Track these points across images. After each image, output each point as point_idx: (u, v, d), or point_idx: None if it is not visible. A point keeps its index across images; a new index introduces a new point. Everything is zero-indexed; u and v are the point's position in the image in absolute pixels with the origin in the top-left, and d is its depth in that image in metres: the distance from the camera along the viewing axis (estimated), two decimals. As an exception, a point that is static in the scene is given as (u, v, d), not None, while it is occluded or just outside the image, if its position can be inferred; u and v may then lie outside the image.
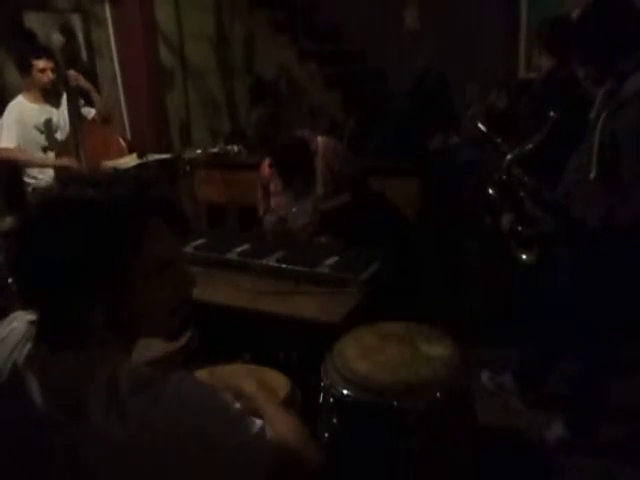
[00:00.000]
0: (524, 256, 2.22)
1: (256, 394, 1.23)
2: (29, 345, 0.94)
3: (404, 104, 4.53)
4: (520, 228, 2.21)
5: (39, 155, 3.69)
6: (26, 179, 3.71)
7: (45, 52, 3.58)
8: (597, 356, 2.30)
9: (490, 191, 2.29)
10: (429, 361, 1.74)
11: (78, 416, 0.85)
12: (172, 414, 0.87)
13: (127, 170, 3.34)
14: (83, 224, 0.87)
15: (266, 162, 3.13)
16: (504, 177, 2.23)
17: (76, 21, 4.85)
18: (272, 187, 3.12)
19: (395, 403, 1.63)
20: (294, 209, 3.02)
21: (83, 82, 3.70)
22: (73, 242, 0.86)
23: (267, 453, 0.96)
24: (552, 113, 2.16)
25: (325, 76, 5.38)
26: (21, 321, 0.99)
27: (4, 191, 4.07)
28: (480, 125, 2.33)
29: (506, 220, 2.25)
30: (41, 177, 3.66)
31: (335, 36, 5.90)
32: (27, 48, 3.86)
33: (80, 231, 0.87)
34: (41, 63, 3.54)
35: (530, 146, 2.20)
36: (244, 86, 6.13)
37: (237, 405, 0.97)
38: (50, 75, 3.57)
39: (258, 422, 0.98)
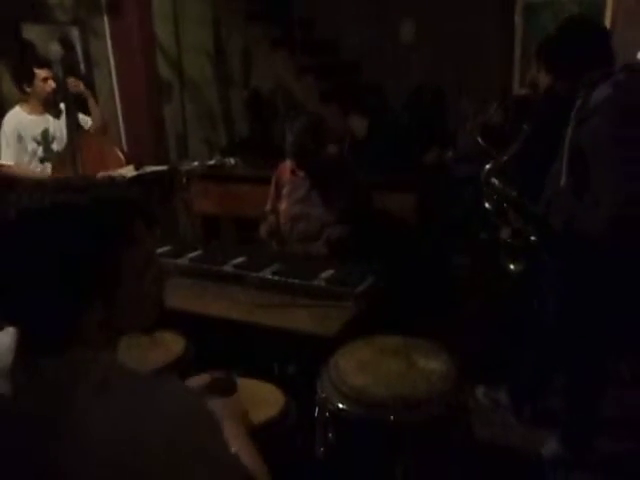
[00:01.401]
0: (511, 266, 2.23)
1: (228, 422, 1.21)
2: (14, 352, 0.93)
3: (400, 118, 4.55)
4: (508, 239, 2.23)
5: (35, 166, 3.67)
6: None
7: (47, 62, 3.59)
8: (587, 369, 2.30)
9: (487, 205, 2.30)
10: (425, 375, 1.73)
11: (65, 417, 0.85)
12: (168, 420, 0.88)
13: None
14: (77, 229, 0.87)
15: (287, 165, 3.03)
16: (483, 188, 2.26)
17: (74, 34, 4.86)
18: (285, 191, 3.01)
19: (391, 417, 1.62)
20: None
21: (82, 89, 3.70)
22: (69, 248, 0.86)
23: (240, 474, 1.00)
24: (525, 126, 2.20)
25: (322, 90, 5.40)
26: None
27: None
28: (479, 139, 2.35)
29: (505, 234, 2.27)
30: None
31: (332, 50, 5.93)
32: (29, 57, 3.86)
33: (76, 236, 0.87)
34: (44, 72, 3.55)
35: (505, 158, 2.24)
36: (241, 99, 6.16)
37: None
38: (52, 84, 3.57)
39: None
